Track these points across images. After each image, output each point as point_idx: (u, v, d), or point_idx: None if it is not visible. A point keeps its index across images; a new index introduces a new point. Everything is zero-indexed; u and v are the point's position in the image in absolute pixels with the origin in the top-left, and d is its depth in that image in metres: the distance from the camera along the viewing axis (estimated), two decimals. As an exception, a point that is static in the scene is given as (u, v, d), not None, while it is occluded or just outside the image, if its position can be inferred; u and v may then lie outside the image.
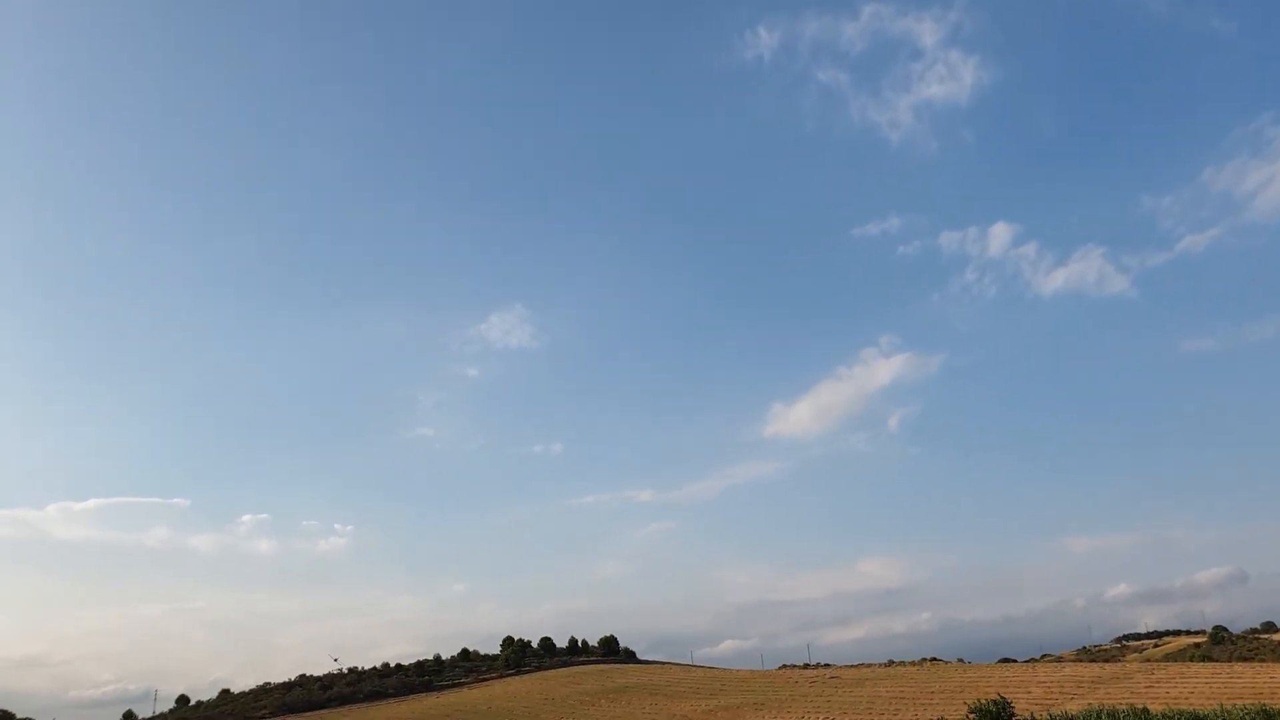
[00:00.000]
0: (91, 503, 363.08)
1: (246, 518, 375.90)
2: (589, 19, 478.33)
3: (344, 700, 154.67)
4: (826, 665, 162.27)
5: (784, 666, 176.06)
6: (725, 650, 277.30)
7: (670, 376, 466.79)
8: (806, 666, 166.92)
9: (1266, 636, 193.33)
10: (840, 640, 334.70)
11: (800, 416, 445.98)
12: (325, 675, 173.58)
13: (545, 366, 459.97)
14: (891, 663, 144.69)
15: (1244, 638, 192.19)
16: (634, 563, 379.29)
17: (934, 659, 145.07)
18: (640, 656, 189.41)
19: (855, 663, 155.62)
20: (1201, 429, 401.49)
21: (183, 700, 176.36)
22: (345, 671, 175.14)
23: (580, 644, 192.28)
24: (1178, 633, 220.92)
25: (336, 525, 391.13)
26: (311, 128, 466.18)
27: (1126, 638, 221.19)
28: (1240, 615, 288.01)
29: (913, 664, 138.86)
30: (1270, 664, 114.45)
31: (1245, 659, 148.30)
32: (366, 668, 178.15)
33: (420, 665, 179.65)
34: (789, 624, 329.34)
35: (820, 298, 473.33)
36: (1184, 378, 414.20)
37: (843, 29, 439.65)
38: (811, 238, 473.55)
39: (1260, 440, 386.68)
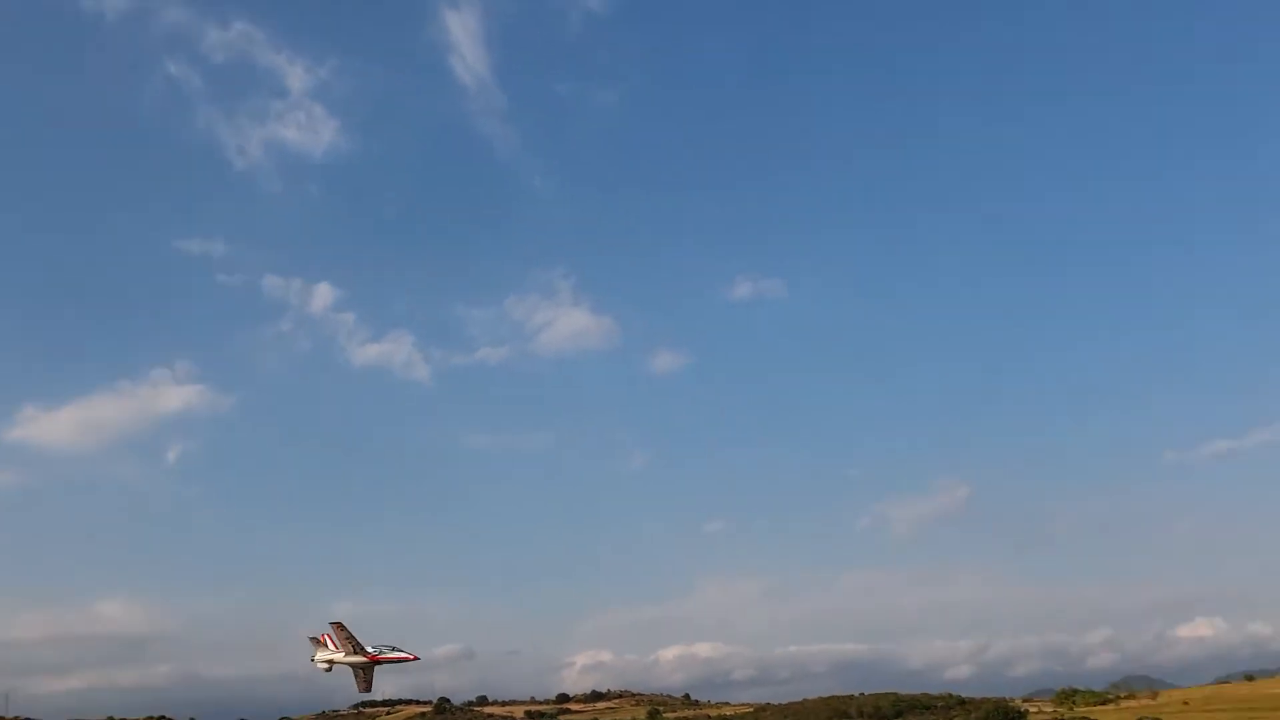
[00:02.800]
0: None
1: None
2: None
3: None
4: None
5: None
6: None
7: None
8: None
9: (481, 709, 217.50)
10: (55, 690, 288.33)
11: (61, 426, 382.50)
12: None
13: None
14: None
15: (463, 709, 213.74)
16: None
17: (163, 718, 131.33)
18: None
19: None
20: (484, 517, 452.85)
21: None
22: None
23: None
24: (410, 701, 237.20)
25: None
26: None
27: (365, 705, 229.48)
28: (463, 687, 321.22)
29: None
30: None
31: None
32: None
33: None
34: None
35: (115, 301, 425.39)
36: (465, 469, 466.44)
37: (208, 31, 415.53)
38: (128, 235, 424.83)
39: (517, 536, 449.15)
